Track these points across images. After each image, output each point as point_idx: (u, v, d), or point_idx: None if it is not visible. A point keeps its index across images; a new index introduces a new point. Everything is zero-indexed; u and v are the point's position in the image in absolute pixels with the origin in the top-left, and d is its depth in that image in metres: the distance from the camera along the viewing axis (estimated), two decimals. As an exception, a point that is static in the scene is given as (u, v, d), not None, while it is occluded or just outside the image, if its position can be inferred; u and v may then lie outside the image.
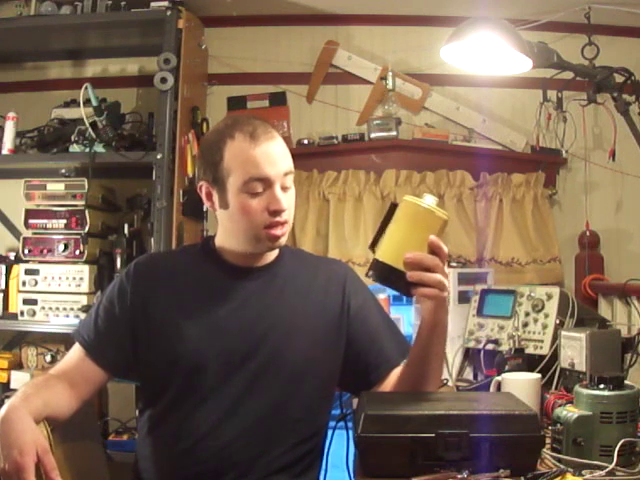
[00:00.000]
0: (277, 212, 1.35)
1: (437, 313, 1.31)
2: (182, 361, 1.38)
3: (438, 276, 1.24)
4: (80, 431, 1.43)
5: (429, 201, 1.25)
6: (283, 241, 1.40)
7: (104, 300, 1.46)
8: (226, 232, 1.45)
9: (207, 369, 1.38)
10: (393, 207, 1.32)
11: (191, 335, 1.39)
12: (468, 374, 2.06)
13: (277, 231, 1.37)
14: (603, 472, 1.13)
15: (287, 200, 1.38)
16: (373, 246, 1.33)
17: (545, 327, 1.83)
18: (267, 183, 1.35)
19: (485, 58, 1.97)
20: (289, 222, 1.40)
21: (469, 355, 2.06)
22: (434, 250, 1.24)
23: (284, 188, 1.38)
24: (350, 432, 1.54)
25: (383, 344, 1.47)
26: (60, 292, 2.49)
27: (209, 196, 1.42)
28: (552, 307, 1.85)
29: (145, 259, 1.57)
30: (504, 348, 1.87)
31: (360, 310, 1.49)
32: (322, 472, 1.52)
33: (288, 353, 1.41)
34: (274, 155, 1.36)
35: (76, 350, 1.43)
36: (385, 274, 1.24)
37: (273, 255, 1.49)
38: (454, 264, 2.46)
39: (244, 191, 1.35)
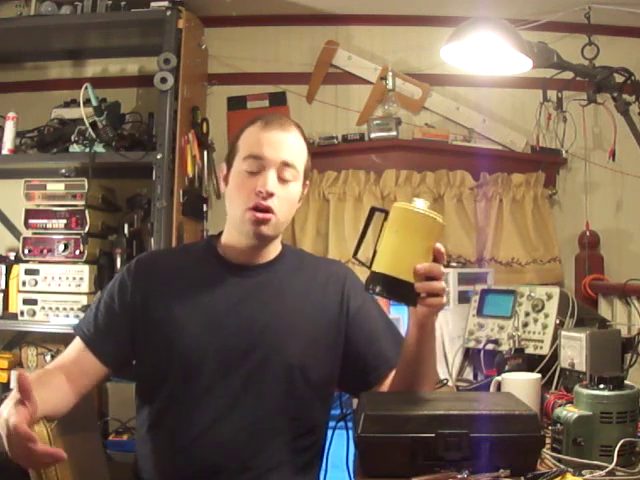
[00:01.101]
0: (261, 193, 1.36)
1: (433, 316, 1.31)
2: (180, 357, 1.39)
3: (442, 284, 1.24)
4: (79, 423, 1.43)
5: (421, 205, 1.24)
6: (265, 230, 1.39)
7: (105, 295, 1.48)
8: (227, 222, 1.47)
9: (205, 365, 1.38)
10: (372, 212, 1.32)
11: (189, 331, 1.40)
12: (468, 374, 2.06)
13: (258, 214, 1.37)
14: (603, 472, 1.13)
15: (281, 191, 1.39)
16: (356, 254, 1.32)
17: (545, 327, 1.83)
18: (262, 164, 1.38)
19: (485, 58, 1.97)
20: (277, 214, 1.39)
21: (469, 355, 2.06)
22: (437, 257, 1.24)
23: (282, 179, 1.39)
24: (350, 432, 1.54)
25: (382, 345, 1.47)
26: (60, 292, 2.49)
27: (224, 177, 1.47)
28: (552, 307, 1.85)
29: (146, 256, 1.60)
30: (504, 348, 1.87)
31: (359, 311, 1.49)
32: (322, 472, 1.52)
33: (285, 351, 1.41)
34: (277, 142, 1.39)
35: (76, 344, 1.44)
36: (394, 288, 1.22)
37: (274, 253, 1.49)
38: (454, 264, 2.46)
39: (242, 168, 1.40)
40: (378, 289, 1.23)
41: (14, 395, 1.16)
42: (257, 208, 1.37)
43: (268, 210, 1.37)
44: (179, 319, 1.40)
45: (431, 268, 1.22)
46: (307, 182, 1.49)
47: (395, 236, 1.23)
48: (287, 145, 1.40)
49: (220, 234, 1.51)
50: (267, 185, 1.36)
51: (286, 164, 1.39)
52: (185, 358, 1.39)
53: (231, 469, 1.36)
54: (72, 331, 1.48)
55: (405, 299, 1.25)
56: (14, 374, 2.55)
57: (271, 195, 1.37)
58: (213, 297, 1.43)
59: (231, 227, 1.46)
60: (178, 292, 1.44)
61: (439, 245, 1.24)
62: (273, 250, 1.49)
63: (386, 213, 1.27)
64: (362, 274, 1.47)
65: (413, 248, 1.22)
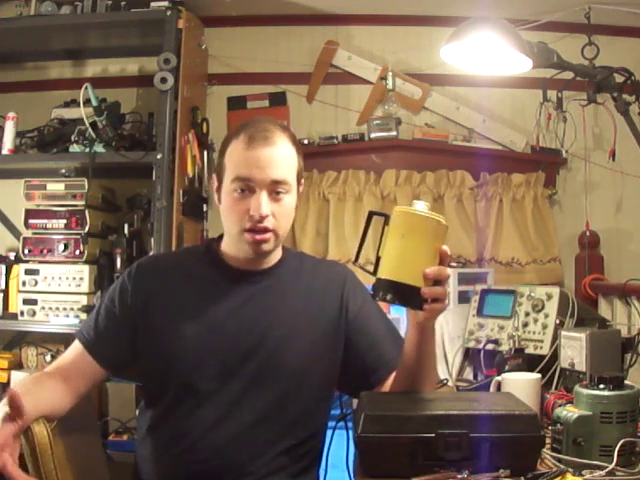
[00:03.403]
0: (254, 217, 1.34)
1: (434, 319, 1.30)
2: (180, 361, 1.39)
3: (446, 288, 1.24)
4: (79, 425, 1.44)
5: (423, 207, 1.23)
6: (266, 248, 1.39)
7: (106, 299, 1.48)
8: (226, 235, 1.46)
9: (205, 369, 1.38)
10: (371, 216, 1.31)
11: (190, 336, 1.39)
12: (468, 374, 2.06)
13: (257, 236, 1.36)
14: (603, 472, 1.14)
15: (275, 208, 1.37)
16: (357, 260, 1.31)
17: (545, 327, 1.83)
18: (252, 186, 1.35)
19: (485, 58, 1.97)
20: (276, 231, 1.38)
21: (469, 355, 2.06)
22: (443, 259, 1.23)
23: (274, 195, 1.37)
24: (350, 432, 1.54)
25: (382, 347, 1.47)
26: (60, 292, 2.49)
27: (217, 189, 1.45)
28: (552, 307, 1.85)
29: (147, 260, 1.59)
30: (504, 348, 1.87)
31: (359, 312, 1.49)
32: (322, 472, 1.52)
33: (286, 354, 1.41)
34: (265, 161, 1.35)
35: (75, 346, 1.44)
36: (404, 294, 1.20)
37: (275, 259, 1.49)
38: (454, 264, 2.46)
39: (232, 189, 1.37)
40: (389, 297, 1.21)
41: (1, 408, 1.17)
42: (254, 230, 1.36)
43: (266, 230, 1.36)
44: (179, 324, 1.40)
45: (440, 271, 1.22)
46: (302, 181, 1.47)
47: (402, 241, 1.21)
48: (275, 162, 1.36)
49: (220, 237, 1.50)
50: (260, 209, 1.34)
51: (277, 182, 1.36)
52: (185, 362, 1.38)
53: (230, 473, 1.36)
54: (72, 331, 1.49)
55: (413, 304, 1.23)
56: (14, 374, 2.55)
57: (265, 217, 1.35)
58: (214, 302, 1.43)
59: (229, 241, 1.45)
60: (179, 297, 1.43)
61: (445, 247, 1.23)
62: (274, 256, 1.48)
63: (386, 217, 1.26)
64: (363, 275, 1.47)
65: (421, 252, 1.21)
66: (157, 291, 1.44)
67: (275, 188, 1.37)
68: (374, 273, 1.25)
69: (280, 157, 1.38)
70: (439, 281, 1.23)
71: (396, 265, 1.22)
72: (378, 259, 1.25)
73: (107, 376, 1.46)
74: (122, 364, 1.46)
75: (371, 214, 1.32)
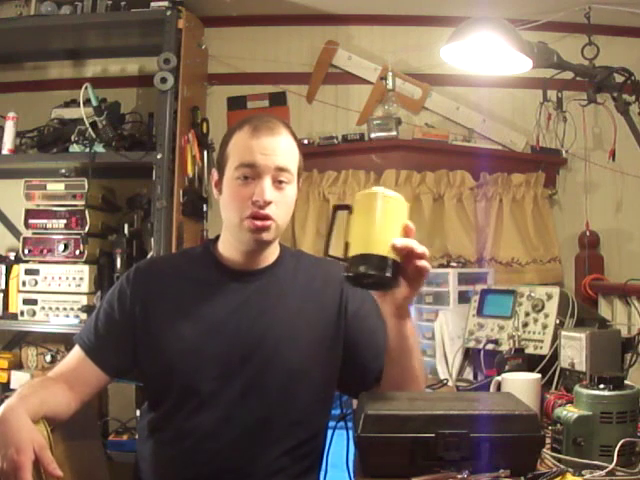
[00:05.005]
0: (258, 202, 1.35)
1: (412, 297, 1.28)
2: (181, 364, 1.39)
3: (424, 248, 1.22)
4: (80, 430, 1.43)
5: (380, 189, 1.24)
6: (266, 237, 1.38)
7: (104, 304, 1.47)
8: (224, 228, 1.46)
9: (205, 371, 1.38)
10: (335, 211, 1.30)
11: (189, 338, 1.39)
12: (468, 374, 2.06)
13: (257, 222, 1.36)
14: (603, 472, 1.13)
15: (278, 197, 1.37)
16: (327, 252, 1.30)
17: (545, 327, 1.83)
18: (256, 172, 1.36)
19: (485, 58, 1.97)
20: (276, 220, 1.38)
21: (469, 355, 2.06)
22: (407, 233, 1.22)
23: (278, 183, 1.38)
24: (350, 432, 1.53)
25: (381, 346, 1.47)
26: (60, 292, 2.49)
27: (216, 183, 1.45)
28: (552, 307, 1.85)
29: (145, 263, 1.59)
30: (504, 348, 1.86)
31: (358, 312, 1.48)
32: (322, 472, 1.52)
33: (286, 355, 1.40)
34: (269, 148, 1.37)
35: (76, 353, 1.44)
36: (375, 263, 1.19)
37: (272, 257, 1.48)
38: (454, 264, 2.46)
39: (235, 176, 1.38)
40: (362, 268, 1.19)
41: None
42: (255, 217, 1.36)
43: (267, 218, 1.37)
44: (178, 326, 1.40)
45: (409, 243, 1.20)
46: (300, 180, 1.48)
47: (365, 218, 1.22)
48: (279, 150, 1.38)
49: (217, 238, 1.50)
50: (264, 194, 1.34)
51: (280, 169, 1.37)
52: (186, 364, 1.38)
53: (231, 474, 1.36)
54: (72, 331, 1.48)
55: (388, 275, 1.20)
56: (14, 374, 2.56)
57: (268, 203, 1.36)
58: (212, 304, 1.42)
59: (229, 234, 1.44)
60: (177, 300, 1.43)
61: (409, 222, 1.23)
62: (271, 254, 1.48)
63: (349, 207, 1.27)
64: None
65: (386, 226, 1.21)
66: (156, 294, 1.44)
67: (278, 176, 1.37)
68: (344, 258, 1.24)
69: (284, 146, 1.39)
70: (417, 257, 1.21)
71: (364, 240, 1.22)
72: (347, 245, 1.24)
73: (110, 382, 1.45)
74: (124, 368, 1.46)
75: (336, 208, 1.32)
